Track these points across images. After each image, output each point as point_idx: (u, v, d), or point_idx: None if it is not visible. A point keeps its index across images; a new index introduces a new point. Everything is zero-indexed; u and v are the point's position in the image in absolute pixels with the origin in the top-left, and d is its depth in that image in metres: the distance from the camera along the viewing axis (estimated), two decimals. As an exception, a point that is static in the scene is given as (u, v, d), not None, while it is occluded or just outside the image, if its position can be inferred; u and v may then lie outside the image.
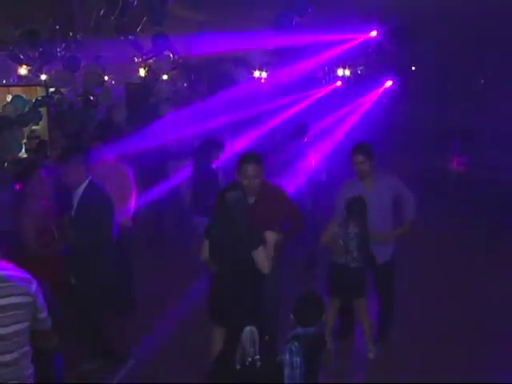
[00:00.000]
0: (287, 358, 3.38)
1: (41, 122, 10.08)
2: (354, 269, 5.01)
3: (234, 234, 4.02)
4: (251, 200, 4.33)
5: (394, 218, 5.31)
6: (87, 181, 4.64)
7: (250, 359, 3.18)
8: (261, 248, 4.03)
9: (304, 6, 6.89)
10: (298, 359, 3.38)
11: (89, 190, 4.61)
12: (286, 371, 3.37)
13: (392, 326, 5.45)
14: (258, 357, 3.20)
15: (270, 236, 4.18)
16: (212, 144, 6.91)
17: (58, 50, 8.78)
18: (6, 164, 9.20)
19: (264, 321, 3.35)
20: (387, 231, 5.20)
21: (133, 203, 5.93)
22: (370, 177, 5.16)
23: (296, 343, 3.42)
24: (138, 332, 5.59)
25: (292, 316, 3.58)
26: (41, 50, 8.99)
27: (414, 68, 12.56)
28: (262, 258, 4.03)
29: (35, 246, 4.72)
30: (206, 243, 4.22)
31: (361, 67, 13.39)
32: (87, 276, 4.57)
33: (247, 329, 3.20)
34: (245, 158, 4.38)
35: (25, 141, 9.81)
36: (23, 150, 9.81)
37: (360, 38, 11.72)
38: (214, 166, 6.74)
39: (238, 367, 3.19)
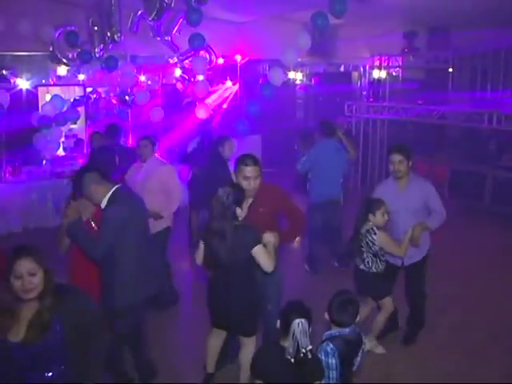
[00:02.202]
0: (322, 358, 3.36)
1: (78, 121, 10.26)
2: (361, 270, 5.01)
3: (217, 233, 3.98)
4: (249, 201, 4.34)
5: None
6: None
7: (303, 350, 3.17)
8: (259, 247, 3.98)
9: (343, 7, 6.82)
10: (334, 360, 3.36)
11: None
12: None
13: (417, 331, 5.42)
14: (310, 347, 3.19)
15: (270, 237, 4.13)
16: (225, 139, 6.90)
17: (96, 50, 8.88)
18: (44, 162, 9.40)
19: (310, 313, 3.31)
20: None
21: (176, 202, 5.97)
22: (405, 178, 5.09)
23: (331, 344, 3.40)
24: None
25: (326, 316, 3.56)
26: (79, 50, 9.12)
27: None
28: (264, 257, 3.99)
29: None
30: (201, 247, 4.19)
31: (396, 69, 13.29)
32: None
33: (296, 321, 3.18)
34: (243, 159, 4.34)
35: (63, 139, 9.99)
36: (61, 149, 10.00)
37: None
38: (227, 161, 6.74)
39: (293, 360, 3.18)
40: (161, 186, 5.81)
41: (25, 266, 2.70)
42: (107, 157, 6.95)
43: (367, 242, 4.88)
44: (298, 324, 3.18)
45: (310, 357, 3.19)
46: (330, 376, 3.36)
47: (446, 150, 11.54)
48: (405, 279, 5.36)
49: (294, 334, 3.18)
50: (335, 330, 3.51)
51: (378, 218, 4.83)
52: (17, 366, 2.76)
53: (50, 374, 2.79)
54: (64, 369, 2.82)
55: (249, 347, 4.34)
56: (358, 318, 3.55)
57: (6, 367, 2.76)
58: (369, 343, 5.04)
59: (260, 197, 4.38)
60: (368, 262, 4.93)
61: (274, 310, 4.41)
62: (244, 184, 4.25)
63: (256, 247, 3.97)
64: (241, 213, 4.05)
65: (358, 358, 3.57)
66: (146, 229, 4.49)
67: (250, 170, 4.27)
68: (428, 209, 5.13)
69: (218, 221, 3.97)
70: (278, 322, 3.33)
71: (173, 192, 5.90)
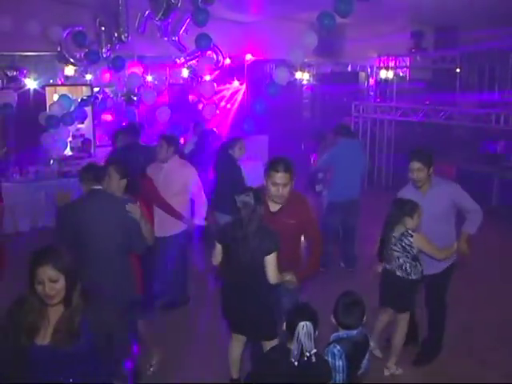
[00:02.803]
0: (329, 360, 3.33)
1: (85, 121, 10.30)
2: (397, 277, 4.66)
3: (240, 238, 3.93)
4: (276, 207, 4.22)
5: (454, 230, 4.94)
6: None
7: (307, 354, 3.14)
8: (273, 256, 3.91)
9: (348, 7, 6.81)
10: (341, 363, 3.33)
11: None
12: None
13: (435, 351, 5.11)
14: (314, 351, 3.16)
15: (286, 277, 4.09)
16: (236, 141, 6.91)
17: (104, 50, 8.92)
18: (52, 162, 9.44)
19: (316, 315, 3.27)
20: (439, 243, 4.71)
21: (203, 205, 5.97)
22: (427, 184, 4.78)
23: (338, 346, 3.38)
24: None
25: (333, 318, 3.53)
26: (87, 50, 9.16)
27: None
28: (272, 266, 3.92)
29: None
30: (219, 247, 4.13)
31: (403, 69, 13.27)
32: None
33: (301, 324, 3.15)
34: (274, 164, 4.13)
35: (70, 139, 10.04)
36: (68, 148, 10.05)
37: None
38: (238, 163, 6.74)
39: (296, 363, 3.15)
40: (183, 187, 5.77)
41: (45, 273, 2.64)
42: (131, 155, 6.92)
43: (404, 246, 4.58)
44: (303, 327, 3.15)
45: (314, 360, 3.15)
46: (337, 378, 3.33)
47: (452, 150, 11.50)
48: (426, 291, 5.05)
49: (298, 336, 3.15)
50: (342, 332, 3.48)
51: (415, 220, 4.54)
52: (40, 370, 2.73)
53: (71, 380, 2.76)
54: (85, 376, 2.79)
55: None
56: (364, 319, 3.51)
57: (30, 370, 2.74)
58: (390, 365, 4.89)
59: (288, 206, 4.22)
60: (406, 267, 4.61)
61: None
62: (273, 190, 4.12)
63: (270, 255, 3.90)
64: (262, 209, 4.00)
65: (365, 361, 3.55)
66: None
67: (279, 177, 4.08)
68: (457, 210, 4.87)
69: (247, 225, 3.91)
70: (284, 324, 3.31)
71: (197, 194, 5.88)
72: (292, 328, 3.20)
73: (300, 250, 4.48)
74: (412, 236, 4.55)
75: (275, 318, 4.13)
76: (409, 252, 4.58)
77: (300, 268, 4.29)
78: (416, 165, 4.69)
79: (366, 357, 3.56)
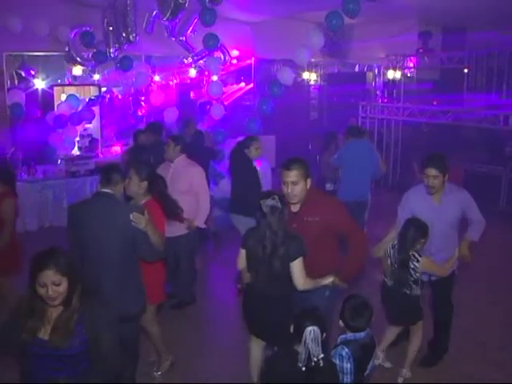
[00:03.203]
0: (336, 363, 3.32)
1: (93, 121, 10.34)
2: (403, 294, 4.52)
3: (269, 245, 3.79)
4: (296, 208, 4.11)
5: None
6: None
7: (315, 359, 3.12)
8: (299, 261, 3.80)
9: (356, 6, 6.81)
10: (349, 365, 3.31)
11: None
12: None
13: (442, 352, 5.08)
14: (322, 355, 3.13)
15: (328, 279, 3.93)
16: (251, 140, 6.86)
17: (112, 50, 8.95)
18: (59, 161, 9.48)
19: (323, 320, 3.25)
20: (448, 250, 4.68)
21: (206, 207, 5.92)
22: (440, 192, 4.66)
23: (346, 349, 3.36)
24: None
25: (341, 323, 3.51)
26: (95, 50, 9.20)
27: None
28: (298, 271, 3.80)
29: None
30: (243, 252, 4.02)
31: (411, 69, 13.22)
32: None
33: (309, 328, 3.13)
34: (285, 163, 4.04)
35: (78, 139, 10.08)
36: (76, 148, 10.09)
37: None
38: (254, 163, 6.70)
39: (304, 368, 3.12)
40: (189, 187, 5.71)
41: (48, 277, 2.66)
42: (142, 155, 6.92)
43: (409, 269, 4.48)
44: (310, 332, 3.14)
45: (321, 365, 3.13)
46: (345, 380, 3.32)
47: (460, 151, 11.45)
48: (432, 296, 5.04)
49: (305, 341, 3.13)
50: (350, 334, 3.47)
51: (424, 242, 4.48)
52: (40, 364, 2.80)
53: (70, 377, 2.81)
54: (81, 376, 2.83)
55: None
56: (372, 322, 3.50)
57: (34, 363, 2.81)
58: (405, 372, 4.80)
59: (307, 205, 4.08)
60: (409, 286, 4.50)
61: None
62: (284, 189, 4.01)
63: (297, 260, 3.79)
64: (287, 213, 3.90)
65: (371, 363, 3.53)
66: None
67: (287, 175, 3.98)
68: (464, 218, 4.83)
69: (276, 230, 3.77)
70: (292, 326, 3.28)
71: (201, 195, 5.81)
72: (299, 332, 3.18)
73: (332, 250, 4.24)
74: (418, 261, 4.44)
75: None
76: (412, 276, 4.48)
77: (340, 267, 4.08)
78: (432, 172, 4.55)
79: (373, 359, 3.55)
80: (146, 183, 4.44)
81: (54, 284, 2.68)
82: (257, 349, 4.29)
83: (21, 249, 5.27)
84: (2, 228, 5.03)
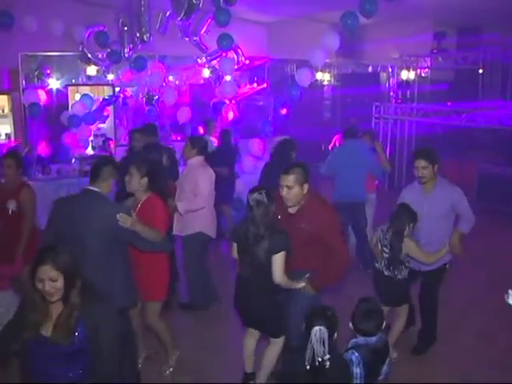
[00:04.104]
0: (347, 367, 3.31)
1: (107, 121, 10.39)
2: (386, 276, 4.82)
3: (251, 236, 4.00)
4: (294, 210, 4.22)
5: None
6: None
7: (319, 359, 3.11)
8: (280, 255, 3.96)
9: (373, 7, 6.79)
10: (359, 370, 3.28)
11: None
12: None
13: (430, 341, 5.28)
14: (328, 356, 3.12)
15: (301, 282, 4.14)
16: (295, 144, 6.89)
17: (126, 50, 8.99)
18: (73, 160, 9.53)
19: (333, 320, 3.25)
20: (438, 243, 4.82)
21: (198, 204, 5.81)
22: (431, 182, 4.95)
23: (356, 353, 3.33)
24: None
25: (351, 325, 3.48)
26: (109, 50, 9.24)
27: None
28: (278, 265, 3.97)
29: None
30: (235, 245, 4.24)
31: (425, 70, 13.16)
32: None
33: (316, 328, 3.13)
34: (287, 167, 4.19)
35: (91, 138, 10.13)
36: (89, 147, 10.14)
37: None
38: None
39: (308, 368, 3.13)
40: (195, 188, 5.65)
41: (45, 272, 2.74)
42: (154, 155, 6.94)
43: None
44: (316, 332, 3.13)
45: (327, 366, 3.11)
46: (355, 386, 3.31)
47: (474, 152, 11.38)
48: (420, 286, 5.25)
49: (311, 340, 3.13)
50: (361, 338, 3.44)
51: (411, 229, 4.73)
52: (42, 361, 2.84)
53: (71, 374, 2.85)
54: (82, 372, 2.87)
55: (274, 347, 4.34)
56: (383, 326, 3.48)
57: (35, 360, 2.85)
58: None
59: (304, 210, 4.19)
60: (392, 268, 4.79)
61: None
62: (281, 191, 4.13)
63: (279, 253, 3.96)
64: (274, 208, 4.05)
65: (385, 367, 3.50)
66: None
67: (284, 178, 4.11)
68: (455, 213, 5.02)
69: (259, 224, 3.97)
70: (303, 325, 3.28)
71: (197, 196, 5.69)
72: (308, 330, 3.18)
73: (319, 256, 4.27)
74: (403, 242, 4.69)
75: (279, 316, 4.18)
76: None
77: (317, 275, 4.22)
78: (421, 163, 4.84)
79: (386, 362, 3.52)
80: (146, 179, 4.45)
81: (50, 280, 2.74)
82: (251, 340, 4.50)
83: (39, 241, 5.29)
84: (24, 218, 5.25)
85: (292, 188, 4.09)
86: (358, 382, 3.28)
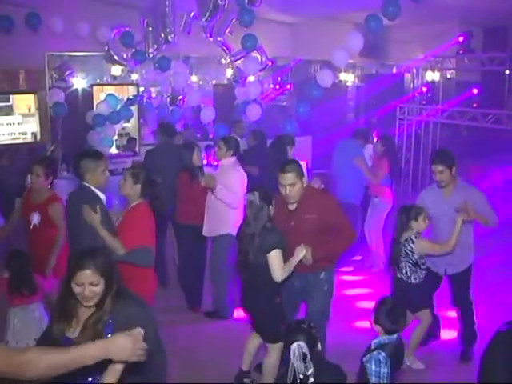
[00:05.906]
0: (373, 368, 3.26)
1: (131, 120, 10.46)
2: (399, 279, 4.82)
3: (244, 237, 4.11)
4: (293, 205, 4.28)
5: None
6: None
7: (301, 376, 2.96)
8: (275, 252, 3.98)
9: (396, 9, 6.74)
10: (386, 370, 3.24)
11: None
12: (372, 381, 3.26)
13: (472, 344, 5.14)
14: (311, 371, 2.96)
15: (300, 251, 4.10)
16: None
17: (150, 50, 9.04)
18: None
19: (311, 332, 3.12)
20: (460, 243, 4.72)
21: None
22: (450, 185, 4.89)
23: (383, 353, 3.29)
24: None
25: (375, 324, 3.46)
26: (134, 50, 9.30)
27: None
28: (275, 263, 3.99)
29: None
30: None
31: (451, 71, 13.00)
32: None
33: (294, 345, 3.00)
34: (282, 166, 4.25)
35: (116, 138, 10.21)
36: (114, 147, 10.22)
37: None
38: None
39: None
40: (227, 188, 5.60)
41: (87, 277, 2.65)
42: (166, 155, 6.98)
43: (406, 252, 4.71)
44: (295, 349, 3.00)
45: (310, 382, 2.97)
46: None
47: (500, 154, 11.21)
48: (450, 290, 5.17)
49: (291, 360, 3.00)
50: (384, 337, 3.41)
51: (421, 223, 4.69)
52: None
53: (90, 379, 2.72)
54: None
55: (272, 355, 4.25)
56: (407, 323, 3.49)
57: None
58: (407, 359, 4.75)
59: (304, 202, 4.28)
60: (406, 271, 4.75)
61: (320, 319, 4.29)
62: (281, 190, 4.22)
63: (272, 252, 3.98)
64: (272, 209, 4.13)
65: (403, 365, 3.51)
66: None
67: (283, 177, 4.19)
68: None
69: (251, 223, 4.08)
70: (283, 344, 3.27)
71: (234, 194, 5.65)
72: (287, 349, 3.08)
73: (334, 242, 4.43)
74: (413, 242, 4.67)
75: (277, 319, 4.13)
76: (410, 258, 4.70)
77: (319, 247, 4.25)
78: (438, 167, 4.82)
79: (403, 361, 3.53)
80: (139, 186, 4.38)
81: (91, 284, 2.66)
82: (254, 339, 4.51)
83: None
84: (52, 230, 4.86)
85: (294, 185, 4.19)
86: (385, 380, 3.25)
